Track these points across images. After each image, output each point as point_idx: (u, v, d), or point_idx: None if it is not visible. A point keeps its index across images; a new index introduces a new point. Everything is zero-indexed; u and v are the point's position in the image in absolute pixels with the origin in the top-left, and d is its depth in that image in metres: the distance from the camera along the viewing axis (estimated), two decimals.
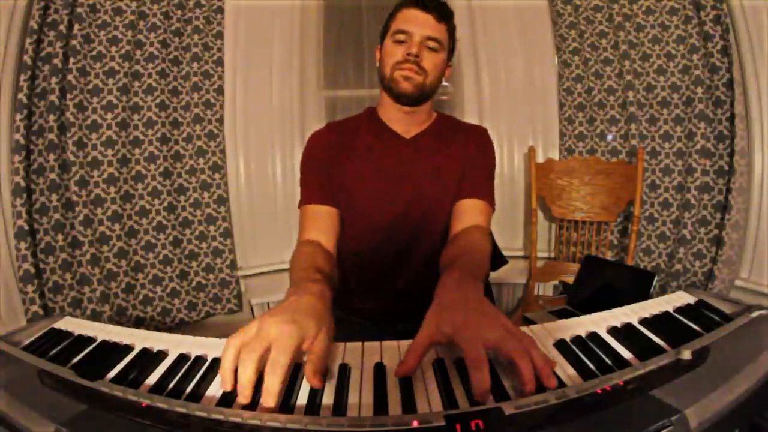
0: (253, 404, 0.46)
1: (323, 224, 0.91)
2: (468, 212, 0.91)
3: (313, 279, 0.66)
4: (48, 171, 1.42)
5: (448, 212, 0.96)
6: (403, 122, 0.97)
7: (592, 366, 0.49)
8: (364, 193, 0.94)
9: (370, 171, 0.94)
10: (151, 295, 1.65)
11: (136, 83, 1.59)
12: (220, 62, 1.73)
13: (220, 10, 1.72)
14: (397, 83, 0.90)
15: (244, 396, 0.44)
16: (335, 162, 0.96)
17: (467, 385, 0.47)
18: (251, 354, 0.45)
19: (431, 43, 0.89)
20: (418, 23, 0.88)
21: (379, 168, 0.94)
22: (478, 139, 1.02)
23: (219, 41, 1.72)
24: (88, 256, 1.50)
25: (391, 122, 0.98)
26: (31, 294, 1.36)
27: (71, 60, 1.45)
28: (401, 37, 0.89)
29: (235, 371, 0.46)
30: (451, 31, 0.94)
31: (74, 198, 1.49)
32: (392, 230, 0.94)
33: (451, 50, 0.95)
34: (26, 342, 0.61)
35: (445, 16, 0.90)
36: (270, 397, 0.43)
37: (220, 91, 1.74)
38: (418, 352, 0.49)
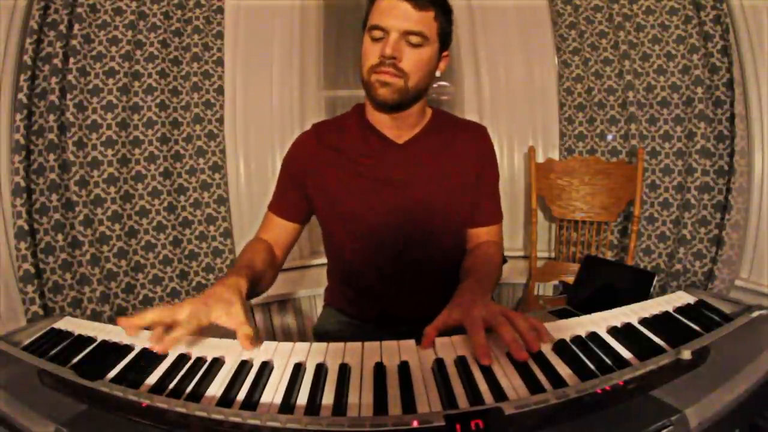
0: (253, 404, 0.46)
1: (276, 233, 0.95)
2: (483, 236, 0.97)
3: (237, 273, 0.72)
4: (48, 171, 1.42)
5: (452, 218, 0.92)
6: (392, 127, 0.89)
7: (592, 366, 0.49)
8: (351, 201, 0.88)
9: (359, 179, 0.88)
10: (151, 295, 1.65)
11: (136, 83, 1.59)
12: (220, 62, 1.72)
13: (220, 10, 1.72)
14: (374, 89, 0.81)
15: (127, 323, 0.58)
16: (319, 167, 0.90)
17: (467, 385, 0.47)
18: (158, 311, 0.59)
19: (413, 38, 0.77)
20: (395, 15, 0.76)
21: (367, 176, 0.88)
22: (481, 146, 0.95)
23: (219, 41, 1.72)
24: (88, 256, 1.50)
25: (380, 126, 0.89)
26: (31, 294, 1.36)
27: (71, 60, 1.45)
28: (377, 33, 0.78)
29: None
30: (440, 17, 0.80)
31: (74, 198, 1.49)
32: (384, 239, 0.89)
33: (443, 40, 0.83)
34: (26, 342, 0.61)
35: (427, 1, 0.77)
36: (169, 340, 0.56)
37: (220, 91, 1.73)
38: (436, 329, 0.60)
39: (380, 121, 0.89)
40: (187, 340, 0.59)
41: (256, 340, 0.58)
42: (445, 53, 0.86)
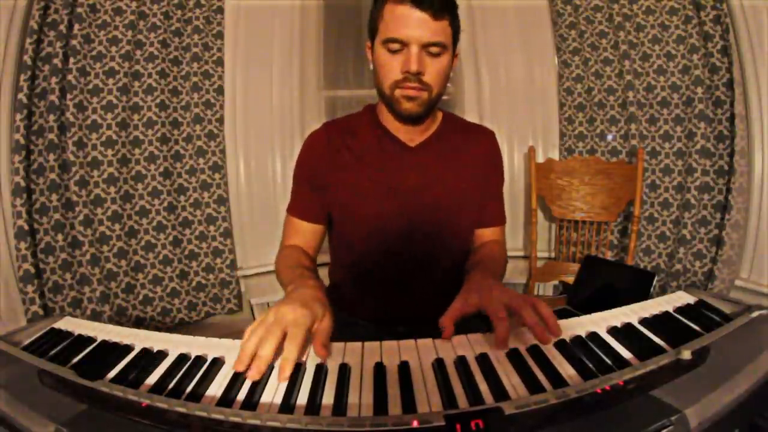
0: (253, 404, 0.46)
1: (303, 237, 0.94)
2: (488, 237, 0.99)
3: (306, 275, 0.74)
4: (48, 171, 1.42)
5: (461, 221, 0.93)
6: (406, 131, 0.89)
7: (592, 366, 0.49)
8: (363, 202, 0.88)
9: (370, 181, 0.88)
10: (151, 295, 1.65)
11: (136, 83, 1.59)
12: (220, 62, 1.72)
13: (220, 10, 1.72)
14: (399, 104, 0.80)
15: (258, 369, 0.49)
16: (332, 168, 0.90)
17: (467, 385, 0.47)
18: (272, 334, 0.52)
19: (433, 49, 0.76)
20: (413, 28, 0.73)
21: (379, 178, 0.88)
22: (490, 149, 0.97)
23: (219, 41, 1.72)
24: (88, 256, 1.50)
25: (393, 129, 0.90)
26: (31, 294, 1.36)
27: (71, 60, 1.45)
28: (395, 46, 0.76)
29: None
30: (454, 21, 0.78)
31: (74, 198, 1.49)
32: (395, 241, 0.89)
33: (456, 42, 0.82)
34: (26, 342, 0.61)
35: (443, 8, 0.74)
36: (287, 363, 0.50)
37: (220, 91, 1.73)
38: (452, 318, 0.60)
39: (394, 124, 0.89)
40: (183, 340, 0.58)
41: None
42: (456, 52, 0.85)
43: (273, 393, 0.48)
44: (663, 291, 1.68)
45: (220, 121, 1.74)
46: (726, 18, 1.51)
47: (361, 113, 0.96)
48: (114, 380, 0.51)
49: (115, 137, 1.55)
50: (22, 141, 1.36)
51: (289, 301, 0.60)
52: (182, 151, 1.70)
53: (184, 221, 1.71)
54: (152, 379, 0.51)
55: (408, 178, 0.88)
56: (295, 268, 0.79)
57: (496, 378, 0.48)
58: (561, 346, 0.54)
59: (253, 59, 1.80)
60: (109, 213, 1.56)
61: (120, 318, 1.58)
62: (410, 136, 0.90)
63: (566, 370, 0.49)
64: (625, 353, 0.52)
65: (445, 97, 2.05)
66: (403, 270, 0.92)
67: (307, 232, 0.94)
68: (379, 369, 0.50)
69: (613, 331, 0.57)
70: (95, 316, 1.50)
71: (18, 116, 1.35)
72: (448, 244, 0.92)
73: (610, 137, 1.82)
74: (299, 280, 0.70)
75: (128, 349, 0.58)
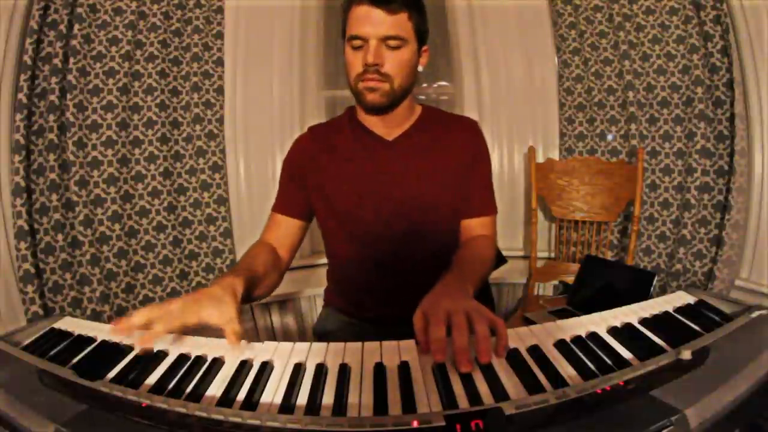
0: (253, 404, 0.46)
1: (281, 233, 0.97)
2: (476, 228, 0.97)
3: (234, 274, 0.72)
4: (48, 171, 1.42)
5: (445, 213, 0.93)
6: (381, 125, 0.92)
7: (592, 366, 0.49)
8: (345, 198, 0.92)
9: (351, 176, 0.92)
10: (151, 295, 1.65)
11: (136, 83, 1.59)
12: (220, 62, 1.72)
13: (220, 10, 1.72)
14: (363, 96, 0.85)
15: (119, 325, 0.57)
16: (316, 167, 0.94)
17: (467, 385, 0.47)
18: (150, 310, 0.58)
19: (391, 42, 0.80)
20: (371, 23, 0.79)
21: (360, 173, 0.91)
22: (472, 139, 0.97)
23: (219, 41, 1.72)
24: (88, 256, 1.50)
25: (369, 125, 0.93)
26: (31, 294, 1.36)
27: (71, 60, 1.45)
28: (357, 42, 0.81)
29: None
30: (414, 16, 0.82)
31: (74, 198, 1.49)
32: (379, 236, 0.92)
33: (420, 37, 0.85)
34: (26, 342, 0.61)
35: (400, 4, 0.79)
36: (148, 336, 0.56)
37: (220, 91, 1.73)
38: (417, 327, 0.58)
39: (370, 120, 0.93)
40: (187, 341, 0.59)
41: (245, 340, 0.58)
42: (424, 48, 0.89)
43: (273, 393, 0.48)
44: (663, 291, 1.68)
45: (220, 121, 1.74)
46: (726, 18, 1.51)
47: (342, 115, 1.01)
48: (114, 380, 0.51)
49: (115, 137, 1.55)
50: (22, 141, 1.36)
51: (190, 294, 0.63)
52: (182, 151, 1.70)
53: (184, 221, 1.71)
54: (152, 379, 0.51)
55: (385, 171, 0.91)
56: (238, 268, 0.79)
57: (496, 378, 0.48)
58: (561, 346, 0.54)
59: (253, 59, 1.80)
60: (109, 213, 1.56)
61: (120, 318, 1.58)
62: (387, 130, 0.93)
63: (566, 370, 0.49)
64: (625, 353, 0.52)
65: (444, 97, 2.07)
66: (390, 263, 0.93)
67: (283, 228, 0.97)
68: (379, 369, 0.50)
69: (613, 331, 0.57)
70: (95, 316, 1.50)
71: (18, 116, 1.35)
72: (432, 235, 0.93)
73: (610, 137, 1.82)
74: (221, 278, 0.70)
75: (128, 349, 0.58)
